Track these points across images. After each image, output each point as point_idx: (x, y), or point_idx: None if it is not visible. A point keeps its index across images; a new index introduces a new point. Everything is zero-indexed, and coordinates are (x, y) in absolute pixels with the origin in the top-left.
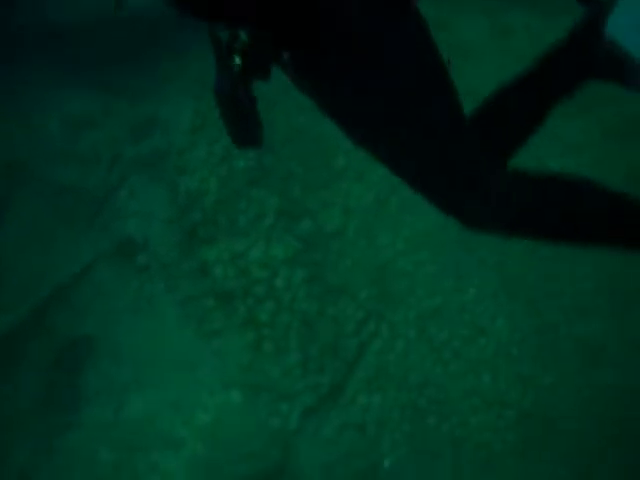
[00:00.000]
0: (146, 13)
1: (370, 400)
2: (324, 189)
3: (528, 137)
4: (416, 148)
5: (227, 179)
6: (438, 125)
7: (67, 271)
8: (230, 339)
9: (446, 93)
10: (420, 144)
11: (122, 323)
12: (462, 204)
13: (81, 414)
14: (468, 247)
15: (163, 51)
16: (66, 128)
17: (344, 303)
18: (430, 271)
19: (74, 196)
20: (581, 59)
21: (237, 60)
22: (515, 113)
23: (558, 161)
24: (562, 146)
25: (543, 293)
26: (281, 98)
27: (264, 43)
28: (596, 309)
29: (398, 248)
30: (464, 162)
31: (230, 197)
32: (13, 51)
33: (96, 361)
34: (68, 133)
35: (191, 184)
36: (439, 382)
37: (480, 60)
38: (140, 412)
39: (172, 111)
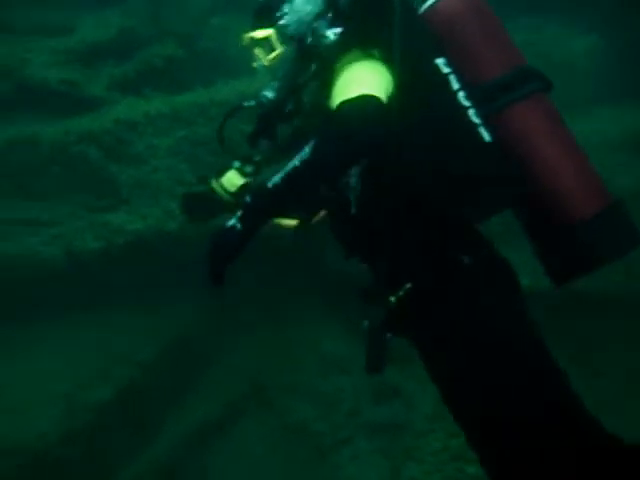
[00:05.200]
0: None
1: None
2: None
3: None
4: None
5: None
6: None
7: None
8: None
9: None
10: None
11: None
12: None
13: None
14: None
15: None
16: (318, 367)
17: None
18: None
19: (298, 439)
20: None
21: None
22: None
23: None
24: None
25: None
26: None
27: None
28: None
29: None
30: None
31: None
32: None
33: None
34: (319, 372)
35: (414, 472)
36: None
37: None
38: None
39: (418, 387)
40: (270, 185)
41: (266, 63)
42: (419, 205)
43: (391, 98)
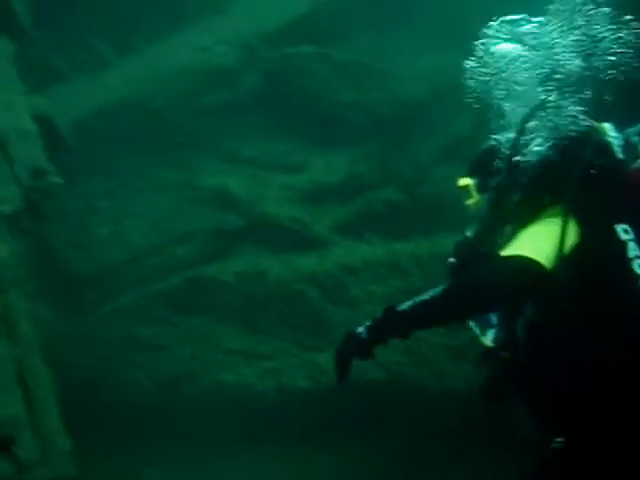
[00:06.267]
0: None
1: None
2: None
3: None
4: None
5: None
6: None
7: None
8: None
9: None
10: None
11: None
12: None
13: None
14: None
15: None
16: None
17: None
18: None
19: None
20: None
21: None
22: None
23: None
24: None
25: None
26: None
27: None
28: None
29: None
30: None
31: None
32: None
33: None
34: None
35: None
36: None
37: None
38: None
39: None
40: (399, 309)
41: (469, 206)
42: (582, 366)
43: (557, 261)
